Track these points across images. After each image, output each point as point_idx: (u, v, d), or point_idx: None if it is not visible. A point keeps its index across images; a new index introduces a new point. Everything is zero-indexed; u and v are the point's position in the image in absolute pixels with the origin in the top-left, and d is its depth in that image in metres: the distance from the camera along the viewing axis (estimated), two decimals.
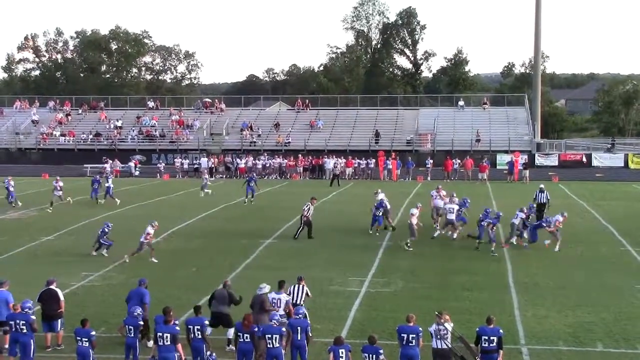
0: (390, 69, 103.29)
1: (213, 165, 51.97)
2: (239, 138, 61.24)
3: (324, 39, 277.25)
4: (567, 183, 45.31)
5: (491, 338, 12.47)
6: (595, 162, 55.48)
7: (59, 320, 14.80)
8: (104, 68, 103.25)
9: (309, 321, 13.65)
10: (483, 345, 12.48)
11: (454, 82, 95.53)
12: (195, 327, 13.15)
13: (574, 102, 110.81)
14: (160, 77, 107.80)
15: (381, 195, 28.18)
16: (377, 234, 26.79)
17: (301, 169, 51.73)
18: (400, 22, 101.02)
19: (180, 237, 26.89)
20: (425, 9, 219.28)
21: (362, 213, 30.08)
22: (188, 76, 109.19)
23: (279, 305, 14.48)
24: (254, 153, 55.90)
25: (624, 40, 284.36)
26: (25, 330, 13.30)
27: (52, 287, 15.10)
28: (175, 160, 54.69)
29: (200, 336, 13.12)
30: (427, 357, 13.25)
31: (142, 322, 13.65)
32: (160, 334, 12.77)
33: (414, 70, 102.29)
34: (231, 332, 14.25)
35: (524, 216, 24.86)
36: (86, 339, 12.84)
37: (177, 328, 12.94)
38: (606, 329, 15.82)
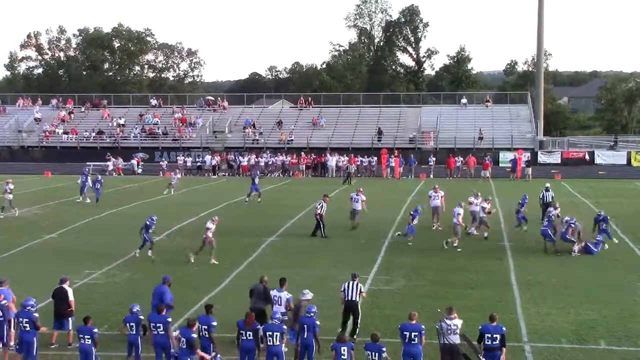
0: (393, 67, 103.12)
1: (216, 163, 52.05)
2: (242, 136, 61.25)
3: (326, 37, 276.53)
4: (570, 181, 45.30)
5: (494, 336, 12.48)
6: (598, 160, 55.45)
7: (70, 319, 14.78)
8: (106, 66, 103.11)
9: (318, 322, 13.22)
10: (486, 342, 12.48)
11: (456, 80, 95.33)
12: (203, 327, 13.15)
13: (577, 100, 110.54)
14: (162, 75, 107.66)
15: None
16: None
17: (304, 166, 51.80)
18: (403, 19, 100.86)
19: (182, 234, 26.91)
20: (428, 6, 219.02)
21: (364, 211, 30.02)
22: (191, 74, 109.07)
23: (279, 302, 14.45)
24: (257, 151, 55.95)
25: (626, 38, 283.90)
26: (28, 328, 13.32)
27: (64, 285, 15.08)
28: (177, 158, 54.70)
29: (207, 335, 13.12)
30: (429, 355, 13.27)
31: (142, 317, 13.56)
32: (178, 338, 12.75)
33: (416, 68, 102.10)
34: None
35: (555, 212, 24.88)
36: (89, 337, 12.85)
37: (194, 335, 12.68)
38: (608, 326, 15.83)
